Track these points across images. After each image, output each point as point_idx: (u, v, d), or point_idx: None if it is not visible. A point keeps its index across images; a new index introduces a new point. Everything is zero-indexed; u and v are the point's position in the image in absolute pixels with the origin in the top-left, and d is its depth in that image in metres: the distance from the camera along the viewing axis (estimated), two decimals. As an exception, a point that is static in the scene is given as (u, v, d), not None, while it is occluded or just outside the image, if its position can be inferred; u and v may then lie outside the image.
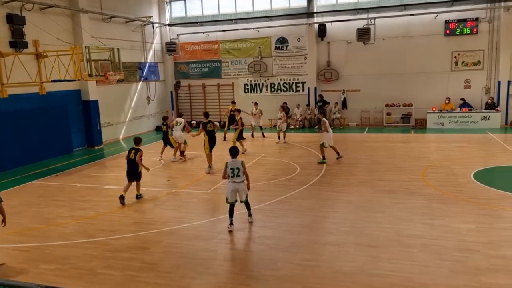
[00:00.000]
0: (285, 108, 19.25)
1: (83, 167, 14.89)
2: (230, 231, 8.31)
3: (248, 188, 8.61)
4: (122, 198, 10.23)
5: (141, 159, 10.39)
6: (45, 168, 14.56)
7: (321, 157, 13.92)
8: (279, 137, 18.08)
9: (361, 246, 7.37)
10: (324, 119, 14.16)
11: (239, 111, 17.50)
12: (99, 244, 7.90)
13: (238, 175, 8.31)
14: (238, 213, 8.86)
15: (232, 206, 8.43)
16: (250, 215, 8.71)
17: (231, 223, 8.41)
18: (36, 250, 7.77)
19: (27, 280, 6.61)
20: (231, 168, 8.32)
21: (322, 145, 13.83)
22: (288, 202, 10.09)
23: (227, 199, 8.48)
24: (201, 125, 13.24)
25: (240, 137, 16.19)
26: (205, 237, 8.18)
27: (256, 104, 20.53)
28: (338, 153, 14.19)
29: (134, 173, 10.47)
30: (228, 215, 8.42)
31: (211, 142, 13.01)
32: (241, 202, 8.54)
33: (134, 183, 10.59)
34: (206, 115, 13.76)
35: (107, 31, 19.61)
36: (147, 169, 10.69)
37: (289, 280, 6.36)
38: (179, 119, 15.47)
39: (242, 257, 7.34)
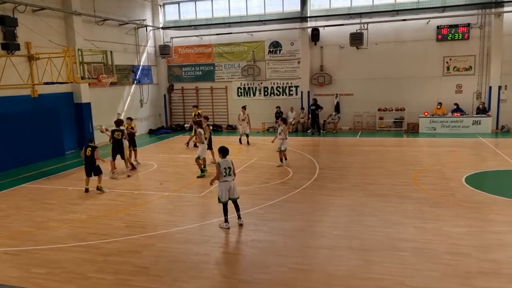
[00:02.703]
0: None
1: (74, 170, 14.78)
2: (228, 228, 8.48)
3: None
4: (86, 190, 11.55)
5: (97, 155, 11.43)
6: (36, 171, 14.43)
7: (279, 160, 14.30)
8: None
9: (353, 250, 7.39)
10: (284, 125, 14.19)
11: (206, 118, 15.26)
12: (91, 248, 7.84)
13: (229, 174, 8.49)
14: (230, 217, 8.85)
15: (225, 205, 8.56)
16: (239, 217, 8.75)
17: (226, 221, 8.57)
18: (26, 254, 7.68)
19: (17, 285, 6.54)
20: (224, 168, 8.44)
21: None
22: (281, 205, 10.09)
23: (219, 198, 8.55)
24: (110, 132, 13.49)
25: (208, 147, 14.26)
26: (197, 240, 8.15)
27: (244, 108, 19.19)
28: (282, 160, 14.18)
29: (91, 168, 11.54)
30: (223, 214, 8.57)
31: (115, 148, 13.34)
32: (234, 200, 8.63)
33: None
34: (117, 123, 13.55)
35: (100, 33, 19.55)
36: (103, 161, 11.86)
37: (282, 284, 6.35)
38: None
39: (235, 260, 7.32)
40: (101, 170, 11.76)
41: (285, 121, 14.63)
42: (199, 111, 18.83)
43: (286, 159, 14.40)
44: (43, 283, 6.56)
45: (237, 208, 8.76)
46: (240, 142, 18.93)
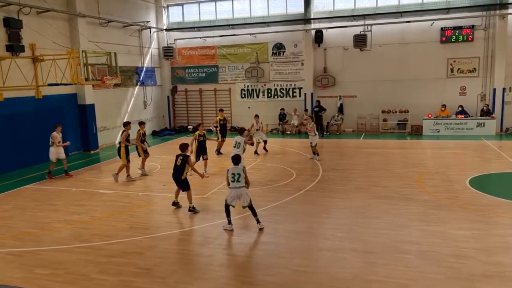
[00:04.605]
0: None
1: (78, 171, 14.82)
2: (231, 231, 8.48)
3: (202, 176, 9.14)
4: (175, 204, 10.19)
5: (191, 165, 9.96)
6: (40, 172, 14.47)
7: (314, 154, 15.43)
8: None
9: (357, 252, 7.37)
10: (313, 123, 15.64)
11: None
12: (94, 249, 7.85)
13: (238, 180, 8.41)
14: (233, 218, 8.85)
15: (227, 207, 8.55)
16: (258, 221, 8.60)
17: (230, 223, 8.56)
18: (30, 255, 7.70)
19: (20, 285, 6.56)
20: (232, 174, 8.45)
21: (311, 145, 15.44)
22: (284, 207, 10.08)
23: (226, 200, 8.57)
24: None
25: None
26: (200, 242, 8.16)
27: (257, 116, 17.58)
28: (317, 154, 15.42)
29: (179, 179, 9.92)
30: (226, 216, 8.59)
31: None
32: (244, 207, 8.58)
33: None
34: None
35: (104, 35, 19.62)
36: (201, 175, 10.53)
37: (285, 286, 6.34)
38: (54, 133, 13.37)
39: (238, 262, 7.31)
40: (188, 184, 10.00)
41: (312, 118, 15.87)
42: (225, 115, 17.92)
43: (318, 154, 15.36)
44: (46, 284, 6.58)
45: (253, 213, 8.61)
46: (256, 153, 16.83)
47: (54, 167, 13.67)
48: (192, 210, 9.87)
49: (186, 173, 9.89)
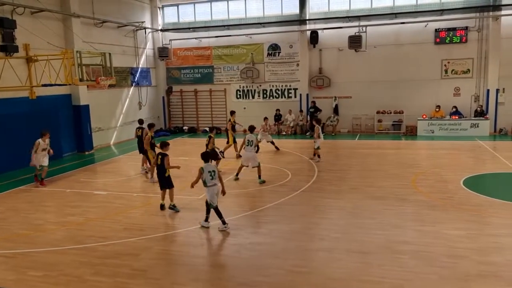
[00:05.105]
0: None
1: (72, 173, 14.75)
2: (223, 230, 8.49)
3: (224, 193, 8.78)
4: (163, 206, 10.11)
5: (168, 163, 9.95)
6: (34, 174, 14.36)
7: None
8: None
9: (352, 253, 7.38)
10: (317, 125, 15.31)
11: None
12: (88, 251, 7.81)
13: (214, 178, 8.54)
14: (229, 219, 8.84)
15: (217, 208, 8.56)
16: (224, 222, 8.58)
17: (224, 223, 8.56)
18: (23, 257, 7.65)
19: (14, 287, 6.51)
20: (208, 171, 8.49)
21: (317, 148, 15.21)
22: (280, 208, 10.08)
23: (211, 204, 8.54)
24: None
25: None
26: (195, 243, 8.13)
27: (266, 119, 18.04)
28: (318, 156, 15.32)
29: (162, 177, 10.03)
30: (218, 217, 8.56)
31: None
32: (216, 206, 8.58)
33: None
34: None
35: (98, 35, 19.53)
36: (178, 167, 10.33)
37: (280, 286, 6.34)
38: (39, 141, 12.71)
39: (233, 263, 7.29)
40: (171, 182, 10.11)
41: (318, 121, 15.69)
42: (234, 119, 17.30)
43: (319, 156, 15.25)
44: (39, 286, 6.53)
45: (219, 214, 8.62)
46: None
47: (40, 171, 12.81)
48: (173, 208, 9.93)
49: (169, 171, 9.97)
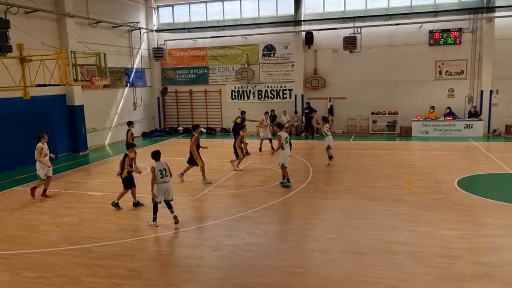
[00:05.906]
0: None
1: (67, 173, 14.68)
2: (156, 226, 8.82)
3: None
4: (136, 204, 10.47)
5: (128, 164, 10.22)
6: (28, 174, 14.26)
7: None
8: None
9: (347, 253, 7.40)
10: (327, 124, 15.05)
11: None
12: (83, 252, 7.77)
13: (166, 175, 8.77)
14: (224, 220, 8.84)
15: (156, 205, 8.84)
16: (154, 220, 8.94)
17: (155, 220, 8.88)
18: (18, 258, 7.60)
19: (8, 289, 6.48)
20: (159, 170, 8.72)
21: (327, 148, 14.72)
22: (275, 208, 10.09)
23: (154, 199, 8.79)
24: None
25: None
26: (190, 244, 8.12)
27: (267, 113, 18.47)
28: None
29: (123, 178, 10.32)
30: (153, 213, 8.88)
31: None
32: (169, 201, 8.87)
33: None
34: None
35: (93, 36, 19.45)
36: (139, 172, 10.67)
37: (276, 287, 6.34)
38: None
39: (228, 264, 7.29)
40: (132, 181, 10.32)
41: (325, 120, 15.28)
42: (238, 120, 17.01)
43: (330, 158, 14.79)
44: (34, 287, 6.49)
45: (170, 206, 8.94)
46: (260, 150, 17.54)
47: (42, 183, 11.46)
48: (115, 205, 10.23)
49: (127, 171, 10.12)
